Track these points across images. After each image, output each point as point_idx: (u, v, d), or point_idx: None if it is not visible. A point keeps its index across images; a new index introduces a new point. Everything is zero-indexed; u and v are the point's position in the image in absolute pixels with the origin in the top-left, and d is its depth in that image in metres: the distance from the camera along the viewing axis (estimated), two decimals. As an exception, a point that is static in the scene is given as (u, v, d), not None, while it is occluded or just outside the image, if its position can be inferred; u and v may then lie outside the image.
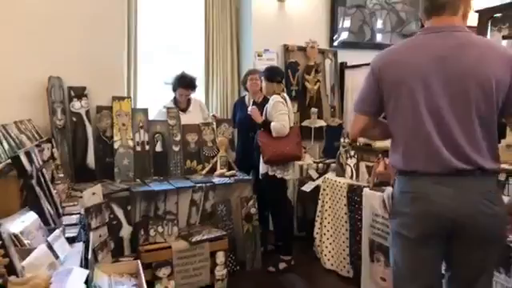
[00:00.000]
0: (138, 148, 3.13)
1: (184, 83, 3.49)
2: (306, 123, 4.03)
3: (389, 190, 1.58)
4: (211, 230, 2.90)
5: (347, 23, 4.44)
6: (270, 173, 3.11)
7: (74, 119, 2.99)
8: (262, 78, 3.24)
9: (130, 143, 3.10)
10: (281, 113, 3.06)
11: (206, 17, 4.07)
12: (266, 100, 3.32)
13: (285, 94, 3.27)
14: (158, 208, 2.83)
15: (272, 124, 3.05)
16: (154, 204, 2.82)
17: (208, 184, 3.01)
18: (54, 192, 2.00)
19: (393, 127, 1.54)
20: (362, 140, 3.22)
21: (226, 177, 3.16)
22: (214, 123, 3.53)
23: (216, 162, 3.29)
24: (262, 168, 3.14)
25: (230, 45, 4.16)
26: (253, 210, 3.15)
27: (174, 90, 3.55)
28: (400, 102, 1.47)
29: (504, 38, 2.96)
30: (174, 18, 4.07)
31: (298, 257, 3.28)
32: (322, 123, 4.06)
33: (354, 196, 2.88)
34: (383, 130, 1.60)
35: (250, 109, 3.30)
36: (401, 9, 4.61)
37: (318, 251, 3.18)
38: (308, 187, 3.46)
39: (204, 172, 3.26)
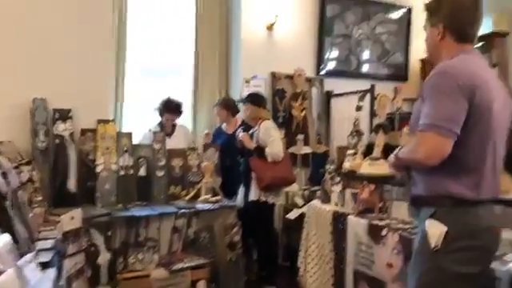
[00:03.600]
0: (122, 172, 3.07)
1: (170, 108, 3.51)
2: (292, 150, 4.03)
3: (438, 224, 1.46)
4: (193, 258, 2.83)
5: (334, 52, 4.54)
6: (262, 198, 3.10)
7: (57, 141, 2.94)
8: (248, 103, 3.26)
9: (114, 167, 3.05)
10: (275, 138, 3.12)
11: (196, 42, 4.13)
12: (249, 126, 3.35)
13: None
14: (138, 234, 2.76)
15: (268, 149, 3.08)
16: (135, 230, 2.75)
17: (191, 210, 2.95)
18: (30, 215, 1.95)
19: (463, 152, 1.44)
20: (347, 166, 3.23)
21: (211, 203, 3.11)
22: (201, 146, 3.53)
23: (201, 187, 3.25)
24: (254, 194, 3.13)
25: (219, 71, 4.21)
26: (237, 238, 3.08)
27: (161, 114, 3.56)
28: (480, 126, 1.44)
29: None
30: (163, 43, 4.12)
31: (283, 287, 3.20)
32: (308, 150, 4.07)
33: (338, 224, 2.85)
34: None
35: (240, 135, 3.30)
36: (385, 39, 4.74)
37: (303, 281, 3.11)
38: (293, 215, 3.42)
39: (188, 198, 3.21)
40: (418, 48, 4.67)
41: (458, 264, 1.43)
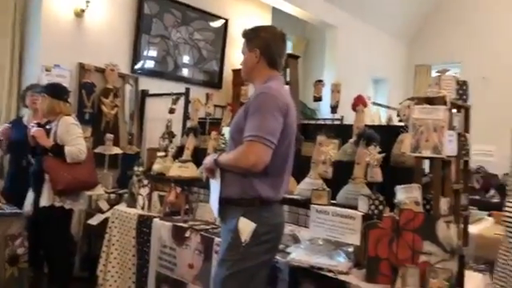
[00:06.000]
0: None
1: None
2: (99, 150, 3.73)
3: (248, 221, 1.68)
4: (-44, 280, 2.27)
5: (151, 52, 4.42)
6: (57, 204, 2.72)
7: None
8: (44, 94, 2.84)
9: None
10: (77, 136, 2.79)
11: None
12: (48, 122, 2.92)
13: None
14: None
15: (67, 149, 2.72)
16: None
17: (-44, 220, 2.37)
18: None
19: (273, 161, 1.66)
20: (156, 168, 3.16)
21: (-14, 210, 2.57)
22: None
23: (-26, 191, 2.66)
24: (46, 199, 2.71)
25: (11, 54, 3.58)
26: (20, 250, 2.63)
27: None
28: (287, 140, 1.72)
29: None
30: None
31: (79, 300, 2.90)
32: (117, 150, 3.83)
33: (143, 227, 2.75)
34: None
35: (33, 130, 2.83)
36: (203, 46, 4.90)
37: (102, 291, 2.88)
38: (95, 220, 3.15)
39: (-47, 205, 2.57)
40: (232, 59, 5.00)
41: (264, 253, 1.71)
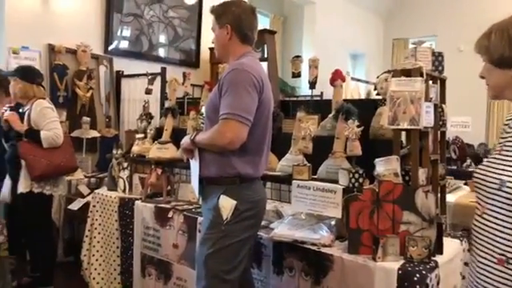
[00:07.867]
0: None
1: None
2: (76, 134, 3.64)
3: (229, 199, 1.68)
4: None
5: (125, 31, 4.29)
6: (36, 190, 2.67)
7: None
8: (16, 78, 2.74)
9: None
10: (52, 120, 2.72)
11: None
12: (19, 106, 2.83)
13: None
14: None
15: (43, 133, 2.66)
16: None
17: None
18: None
19: (250, 138, 1.65)
20: (135, 150, 3.12)
21: (-39, 199, 2.50)
22: None
23: None
24: (24, 186, 2.66)
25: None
26: (0, 238, 2.58)
27: None
28: (263, 117, 1.71)
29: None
30: None
31: (63, 285, 2.88)
32: (95, 134, 3.75)
33: (125, 210, 2.73)
34: None
35: (6, 114, 2.75)
36: (178, 24, 4.77)
37: (87, 275, 2.87)
38: (76, 205, 3.11)
39: None
40: (208, 37, 4.87)
41: (245, 230, 1.71)
